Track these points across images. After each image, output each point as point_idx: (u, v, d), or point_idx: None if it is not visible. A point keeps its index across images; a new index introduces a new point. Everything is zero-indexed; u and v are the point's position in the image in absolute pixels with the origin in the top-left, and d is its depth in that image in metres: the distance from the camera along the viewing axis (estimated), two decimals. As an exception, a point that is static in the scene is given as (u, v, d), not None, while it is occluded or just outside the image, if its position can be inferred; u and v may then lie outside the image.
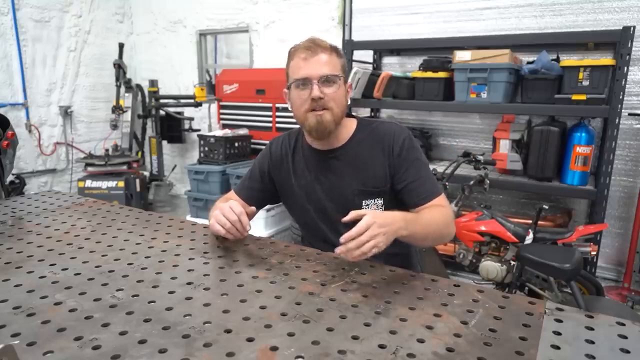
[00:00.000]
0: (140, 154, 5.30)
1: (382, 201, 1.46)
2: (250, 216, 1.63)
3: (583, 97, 2.84)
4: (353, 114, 1.58)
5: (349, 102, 1.50)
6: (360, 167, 1.46)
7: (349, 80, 3.32)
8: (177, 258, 1.22)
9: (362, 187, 1.46)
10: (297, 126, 1.58)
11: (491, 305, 0.98)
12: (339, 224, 1.51)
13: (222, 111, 4.81)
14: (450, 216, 1.39)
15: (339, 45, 4.11)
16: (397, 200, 1.47)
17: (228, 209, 1.32)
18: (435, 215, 1.34)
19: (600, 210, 2.88)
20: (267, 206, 1.68)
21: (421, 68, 3.52)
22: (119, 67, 4.89)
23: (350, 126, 1.51)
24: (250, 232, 1.47)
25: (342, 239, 1.10)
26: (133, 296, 0.99)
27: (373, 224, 1.10)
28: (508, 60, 3.02)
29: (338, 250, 1.12)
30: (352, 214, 1.15)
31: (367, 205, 1.46)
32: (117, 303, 0.95)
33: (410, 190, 1.43)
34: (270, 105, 4.42)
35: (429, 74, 3.39)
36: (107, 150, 4.73)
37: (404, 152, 1.44)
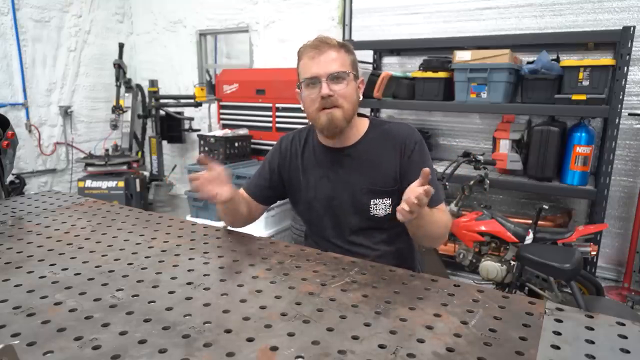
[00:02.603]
0: (140, 154, 5.30)
1: (390, 201, 1.46)
2: (258, 213, 1.63)
3: (583, 97, 2.84)
4: (365, 114, 1.58)
5: (361, 98, 1.49)
6: (371, 166, 1.46)
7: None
8: (177, 258, 1.22)
9: (371, 186, 1.45)
10: (301, 126, 1.59)
11: (491, 305, 0.98)
12: (344, 222, 1.51)
13: (222, 111, 4.81)
14: (449, 224, 1.44)
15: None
16: None
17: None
18: (442, 218, 1.40)
19: (600, 210, 2.87)
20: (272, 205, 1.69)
21: (421, 68, 3.52)
22: (119, 67, 4.89)
23: (362, 126, 1.51)
24: (250, 232, 1.47)
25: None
26: (133, 296, 0.99)
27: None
28: (508, 60, 3.02)
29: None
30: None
31: (375, 204, 1.46)
32: (117, 303, 0.95)
33: None
34: (270, 105, 4.42)
35: (429, 74, 3.39)
36: (107, 150, 4.73)
37: (415, 156, 1.43)
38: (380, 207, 1.46)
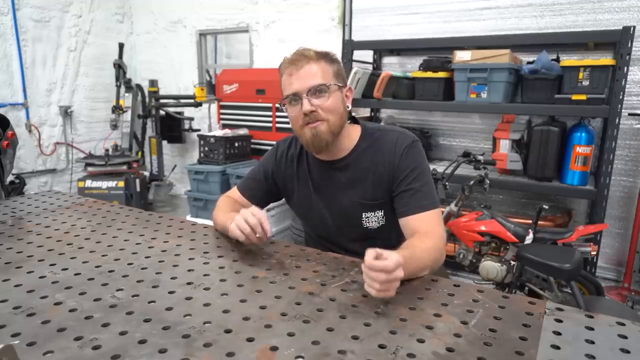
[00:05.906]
0: (140, 154, 5.30)
1: (382, 213, 1.43)
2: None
3: (583, 97, 2.84)
4: (357, 118, 1.52)
5: (350, 107, 1.44)
6: (362, 180, 1.43)
7: (349, 82, 3.30)
8: (177, 258, 1.22)
9: (361, 200, 1.43)
10: None
11: (491, 305, 0.98)
12: (338, 235, 1.50)
13: (222, 111, 4.81)
14: (439, 246, 1.25)
15: (339, 45, 4.12)
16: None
17: (249, 213, 1.25)
18: (425, 256, 1.17)
19: (600, 210, 2.87)
20: (267, 206, 1.68)
21: (421, 68, 3.52)
22: (119, 67, 4.90)
23: (354, 135, 1.46)
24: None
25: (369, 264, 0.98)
26: (133, 296, 0.99)
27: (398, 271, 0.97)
28: (508, 60, 3.02)
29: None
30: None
31: (367, 217, 1.43)
32: (117, 303, 0.95)
33: (399, 199, 1.38)
34: (270, 105, 4.42)
35: (429, 74, 3.39)
36: (107, 150, 4.73)
37: (402, 162, 1.38)
38: (372, 219, 1.44)
